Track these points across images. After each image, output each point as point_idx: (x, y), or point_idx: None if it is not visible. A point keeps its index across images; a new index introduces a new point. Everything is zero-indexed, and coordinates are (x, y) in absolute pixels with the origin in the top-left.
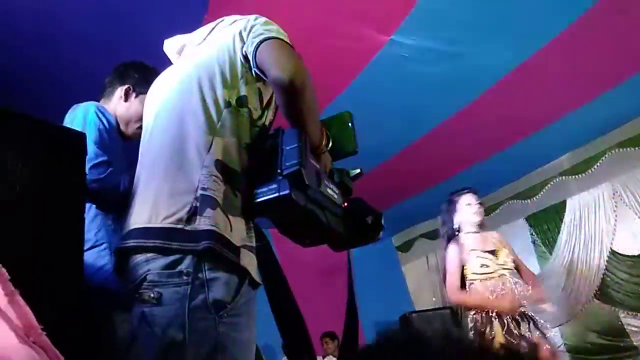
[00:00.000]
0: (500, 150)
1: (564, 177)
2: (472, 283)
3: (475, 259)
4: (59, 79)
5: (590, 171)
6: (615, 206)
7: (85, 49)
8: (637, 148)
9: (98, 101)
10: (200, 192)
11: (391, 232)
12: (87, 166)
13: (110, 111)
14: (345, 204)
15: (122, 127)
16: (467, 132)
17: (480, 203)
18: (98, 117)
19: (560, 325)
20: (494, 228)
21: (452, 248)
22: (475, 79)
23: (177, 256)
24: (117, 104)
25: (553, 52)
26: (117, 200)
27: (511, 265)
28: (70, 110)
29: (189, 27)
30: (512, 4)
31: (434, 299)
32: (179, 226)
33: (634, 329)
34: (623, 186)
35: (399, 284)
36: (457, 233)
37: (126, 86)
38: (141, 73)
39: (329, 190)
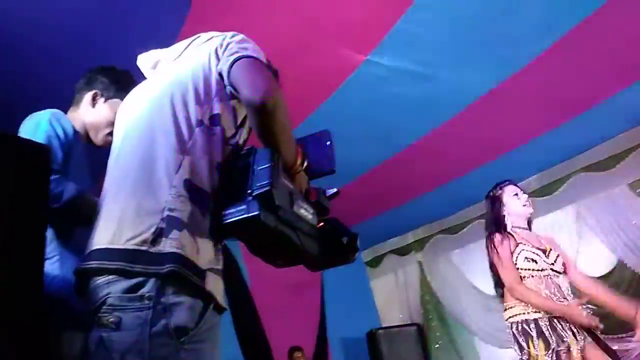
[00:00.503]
0: (471, 171)
1: (531, 198)
2: (524, 278)
3: (522, 252)
4: (29, 91)
5: (556, 193)
6: (579, 228)
7: (57, 63)
8: (601, 173)
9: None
10: (167, 212)
11: (361, 248)
12: None
13: (79, 119)
14: (321, 224)
15: (91, 134)
16: (438, 152)
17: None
18: (51, 125)
19: None
20: (462, 246)
21: (499, 239)
22: (448, 101)
23: (139, 279)
24: (85, 110)
25: (524, 78)
26: (60, 210)
27: (561, 268)
28: (26, 119)
29: (165, 42)
30: (485, 31)
31: (400, 315)
32: (143, 248)
33: None
34: (587, 209)
35: (367, 299)
36: (505, 227)
37: (93, 91)
38: (110, 77)
39: (303, 211)
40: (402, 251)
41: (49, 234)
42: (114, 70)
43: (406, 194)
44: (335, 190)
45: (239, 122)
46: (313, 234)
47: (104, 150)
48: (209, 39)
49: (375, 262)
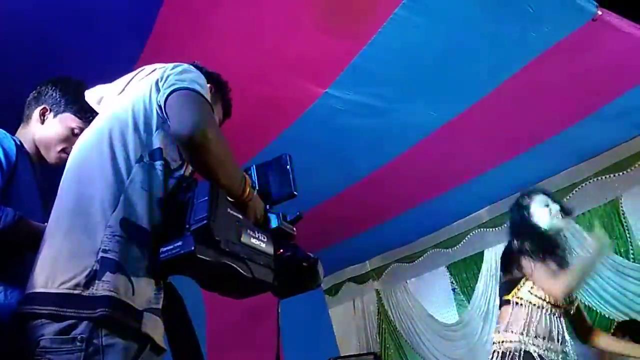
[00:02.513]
0: (425, 201)
1: (482, 229)
2: None
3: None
4: None
5: (506, 225)
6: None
7: (11, 85)
8: None
9: (18, 126)
10: (101, 254)
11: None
12: None
13: (28, 136)
14: (281, 250)
15: (42, 152)
16: (394, 182)
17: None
18: None
19: None
20: (418, 275)
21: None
22: (403, 134)
23: (71, 321)
24: (35, 127)
25: (475, 114)
26: None
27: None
28: None
29: (122, 68)
30: (439, 69)
31: (358, 343)
32: (76, 292)
33: None
34: None
35: (325, 327)
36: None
37: (41, 107)
38: (60, 90)
39: (254, 240)
40: (360, 279)
41: None
42: (65, 82)
43: (364, 223)
44: (297, 214)
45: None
46: (267, 262)
47: (59, 168)
48: (151, 72)
49: (334, 290)
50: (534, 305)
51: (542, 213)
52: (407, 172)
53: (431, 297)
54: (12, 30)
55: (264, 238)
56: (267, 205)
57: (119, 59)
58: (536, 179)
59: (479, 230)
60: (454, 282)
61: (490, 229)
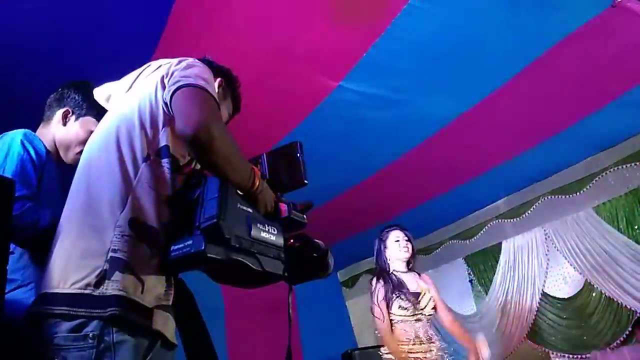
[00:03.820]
0: (442, 193)
1: (500, 220)
2: (396, 323)
3: (397, 300)
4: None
5: (524, 216)
6: (547, 250)
7: (27, 81)
8: (567, 196)
9: (37, 126)
10: (110, 254)
11: (336, 268)
12: None
13: (49, 136)
14: (291, 241)
15: (61, 152)
16: (411, 174)
17: (409, 240)
18: (24, 146)
19: None
20: (435, 266)
21: (379, 287)
22: (419, 126)
23: (83, 319)
24: (56, 128)
25: (492, 104)
26: (35, 238)
27: (431, 312)
28: None
29: (137, 62)
30: (454, 59)
31: (375, 335)
32: (87, 291)
33: None
34: (554, 231)
35: (343, 319)
36: (387, 270)
37: (64, 109)
38: (82, 94)
39: (264, 234)
40: None
41: (25, 260)
42: (87, 87)
43: (380, 215)
44: (306, 202)
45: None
46: (277, 255)
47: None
48: (157, 68)
49: (351, 282)
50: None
51: (394, 246)
52: (424, 164)
53: (448, 288)
54: (28, 31)
55: (274, 230)
56: (278, 194)
57: (133, 56)
58: (555, 169)
59: (496, 221)
60: (471, 273)
61: (508, 220)
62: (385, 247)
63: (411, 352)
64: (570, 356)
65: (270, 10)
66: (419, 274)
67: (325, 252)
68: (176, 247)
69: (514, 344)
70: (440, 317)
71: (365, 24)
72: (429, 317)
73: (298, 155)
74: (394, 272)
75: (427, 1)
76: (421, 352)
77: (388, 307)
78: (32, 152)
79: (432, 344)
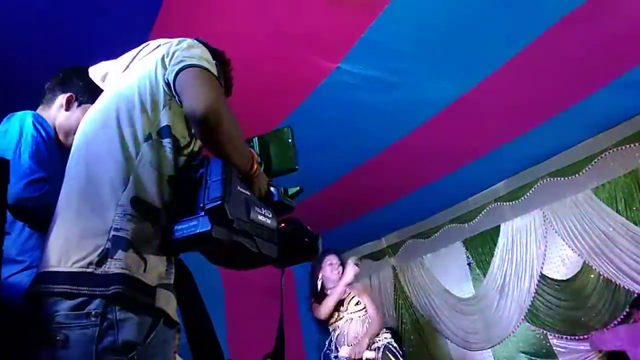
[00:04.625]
0: (441, 177)
1: (499, 203)
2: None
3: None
4: None
5: (523, 198)
6: (546, 232)
7: (23, 62)
8: (566, 178)
9: (35, 108)
10: (112, 233)
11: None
12: (22, 182)
13: (49, 119)
14: (283, 225)
15: (60, 137)
16: (409, 158)
17: (340, 264)
18: (36, 128)
19: (492, 346)
20: (434, 250)
21: (316, 307)
22: (418, 109)
23: (85, 298)
24: (57, 112)
25: (491, 86)
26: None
27: (356, 307)
28: (4, 120)
29: (132, 46)
30: (452, 40)
31: None
32: (89, 270)
33: (561, 350)
34: (553, 213)
35: None
36: (320, 288)
37: (68, 94)
38: (85, 81)
39: (260, 217)
40: (376, 256)
41: (34, 242)
42: (88, 74)
43: (379, 199)
44: (298, 188)
45: (193, 129)
46: (272, 237)
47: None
48: (155, 48)
49: None
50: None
51: (328, 269)
52: (423, 146)
53: (447, 272)
54: (23, 14)
55: (269, 214)
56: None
57: (127, 39)
58: (554, 151)
59: (495, 204)
60: (469, 256)
61: (507, 203)
62: (320, 269)
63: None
64: (568, 337)
65: None
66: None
67: (316, 238)
68: (180, 227)
69: (513, 326)
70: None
71: (363, 4)
72: (357, 313)
73: (290, 140)
74: (328, 289)
75: None
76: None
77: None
78: (43, 134)
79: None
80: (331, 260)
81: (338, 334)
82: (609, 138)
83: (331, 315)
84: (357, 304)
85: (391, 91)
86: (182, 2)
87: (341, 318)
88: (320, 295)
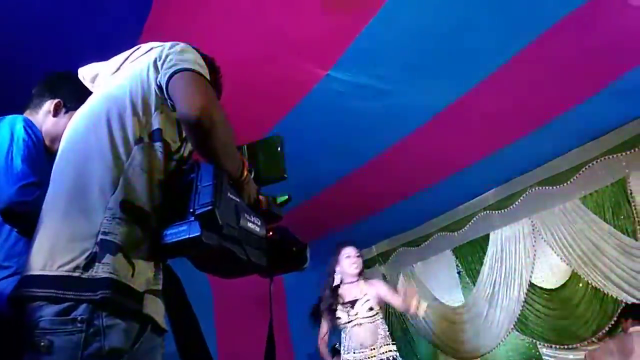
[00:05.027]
0: (430, 185)
1: (488, 212)
2: (342, 331)
3: (337, 311)
4: None
5: (512, 207)
6: (535, 241)
7: (13, 63)
8: (555, 187)
9: (22, 112)
10: (100, 236)
11: (326, 261)
12: (16, 186)
13: (36, 125)
14: (271, 233)
15: (47, 143)
16: (399, 166)
17: (359, 255)
18: (27, 132)
19: (482, 355)
20: (423, 258)
21: (323, 324)
22: (408, 116)
23: (71, 303)
24: (45, 118)
25: (480, 94)
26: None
27: (368, 313)
28: None
29: (122, 49)
30: (442, 48)
31: None
32: (76, 274)
33: (551, 358)
34: (542, 222)
35: None
36: (338, 284)
37: (57, 100)
38: (74, 87)
39: (250, 224)
40: (366, 264)
41: (21, 248)
42: (78, 80)
43: (369, 207)
44: (286, 196)
45: (183, 134)
46: (261, 246)
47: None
48: (148, 51)
49: None
50: None
51: (346, 261)
52: (412, 155)
53: (437, 280)
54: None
55: (258, 222)
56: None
57: (117, 42)
58: (543, 160)
59: (484, 212)
60: (459, 265)
61: (496, 211)
62: (337, 262)
63: None
64: (558, 346)
65: None
66: (367, 279)
67: (305, 247)
68: (170, 232)
69: (502, 335)
70: (393, 304)
71: (353, 12)
72: (368, 319)
73: (279, 149)
74: (344, 284)
75: None
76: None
77: (332, 320)
78: (34, 139)
79: (373, 350)
80: (349, 252)
81: (346, 337)
82: (596, 147)
83: (339, 317)
84: (370, 309)
85: (381, 99)
86: (171, 4)
87: (350, 321)
88: (335, 293)
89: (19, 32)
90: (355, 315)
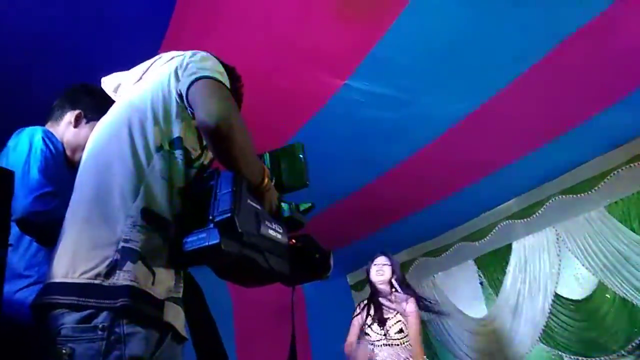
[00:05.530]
0: (451, 194)
1: (510, 221)
2: (370, 345)
3: (365, 326)
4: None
5: (535, 216)
6: (559, 251)
7: (33, 80)
8: (579, 195)
9: (44, 124)
10: (122, 244)
11: (346, 271)
12: (31, 196)
13: (57, 136)
14: (294, 241)
15: (68, 153)
16: (419, 176)
17: (388, 264)
18: (45, 143)
19: None
20: (445, 269)
21: (357, 312)
22: (427, 125)
23: (92, 310)
24: (66, 129)
25: (501, 102)
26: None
27: (398, 336)
28: (14, 134)
29: (143, 58)
30: (462, 56)
31: None
32: (97, 281)
33: None
34: (566, 232)
35: None
36: (372, 294)
37: (77, 111)
38: (94, 98)
39: (271, 232)
40: None
41: (42, 257)
42: (98, 91)
43: (388, 217)
44: (310, 204)
45: (204, 142)
46: (282, 253)
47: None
48: (169, 60)
49: (361, 285)
50: None
51: (372, 269)
52: (432, 164)
53: (459, 291)
54: (33, 32)
55: (279, 229)
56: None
57: (135, 56)
58: (566, 167)
59: (507, 221)
60: (481, 275)
61: (519, 220)
62: (369, 271)
63: None
64: (584, 359)
65: (274, 8)
66: (408, 296)
67: (328, 254)
68: (189, 239)
69: (527, 347)
70: (409, 331)
71: (370, 20)
72: (398, 341)
73: (301, 156)
74: (378, 296)
75: None
76: None
77: (362, 331)
78: (52, 149)
79: None
80: (376, 260)
81: (374, 356)
82: (622, 155)
83: (368, 333)
84: (399, 331)
85: (400, 108)
86: (189, 20)
87: (379, 340)
88: (366, 306)
89: (39, 51)
90: (385, 335)
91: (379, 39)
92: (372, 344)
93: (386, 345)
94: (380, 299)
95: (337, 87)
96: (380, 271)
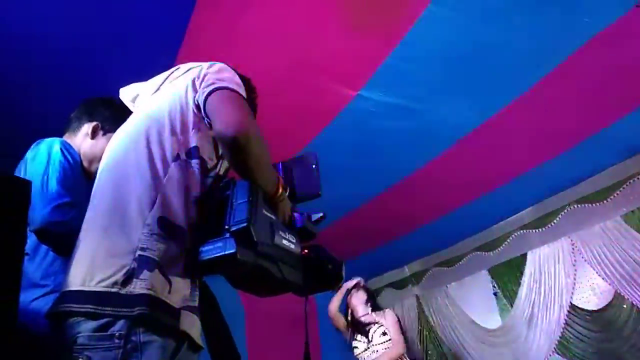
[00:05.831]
0: (465, 204)
1: (525, 231)
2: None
3: (354, 340)
4: (20, 117)
5: (550, 225)
6: (575, 261)
7: (50, 87)
8: (594, 204)
9: (61, 136)
10: (138, 252)
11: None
12: (50, 207)
13: (74, 147)
14: (306, 251)
15: (85, 164)
16: (432, 185)
17: (363, 287)
18: (63, 154)
19: None
20: (458, 279)
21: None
22: (441, 135)
23: (109, 319)
24: (83, 140)
25: (515, 111)
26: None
27: (382, 339)
28: (33, 145)
29: (159, 69)
30: (475, 65)
31: None
32: (114, 290)
33: None
34: (582, 241)
35: None
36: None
37: (94, 123)
38: (110, 110)
39: (285, 242)
40: (399, 285)
41: (58, 266)
42: (114, 104)
43: (402, 227)
44: (321, 214)
45: (220, 152)
46: (295, 263)
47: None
48: (187, 71)
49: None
50: None
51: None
52: (446, 174)
53: (472, 302)
54: (49, 48)
55: (293, 239)
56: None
57: (152, 67)
58: (581, 177)
59: (521, 231)
60: (495, 286)
61: (533, 230)
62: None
63: None
64: None
65: (287, 20)
66: (383, 311)
67: (340, 265)
68: (205, 248)
69: (542, 358)
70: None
71: (383, 31)
72: (383, 346)
73: (313, 166)
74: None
75: (446, 6)
76: None
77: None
78: (71, 161)
79: None
80: (352, 283)
81: None
82: (638, 163)
83: (356, 346)
84: (383, 334)
85: (414, 118)
86: (203, 34)
87: (367, 349)
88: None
89: (55, 65)
90: (371, 342)
91: (391, 51)
92: (361, 356)
93: (371, 352)
94: (361, 318)
95: (350, 98)
96: (356, 295)
